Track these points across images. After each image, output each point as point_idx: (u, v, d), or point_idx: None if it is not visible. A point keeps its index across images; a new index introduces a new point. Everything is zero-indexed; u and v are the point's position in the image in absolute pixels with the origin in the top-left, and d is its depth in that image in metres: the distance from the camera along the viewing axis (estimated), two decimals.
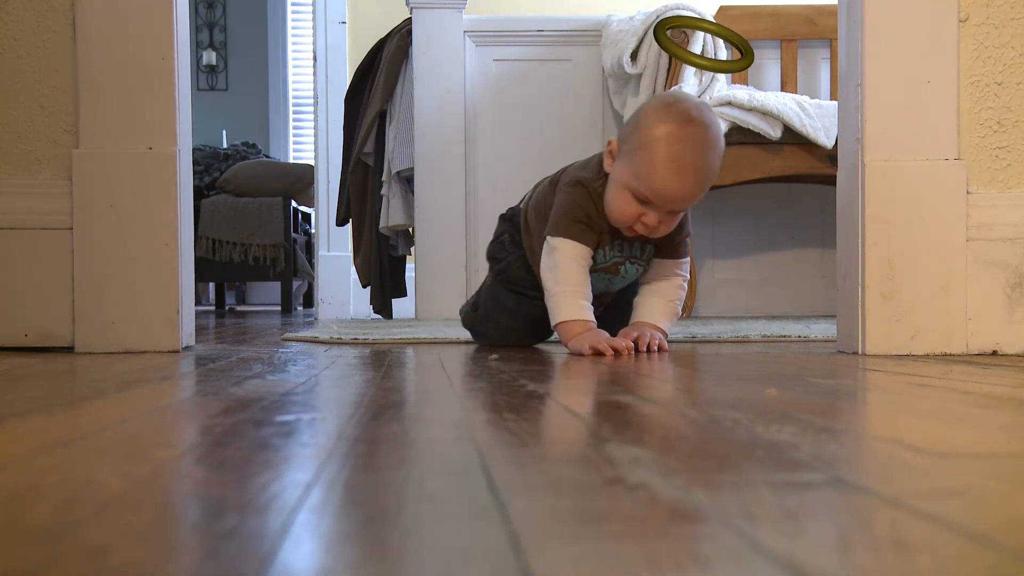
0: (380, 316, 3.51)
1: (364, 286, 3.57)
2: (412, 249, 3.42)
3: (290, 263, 5.09)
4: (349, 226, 3.63)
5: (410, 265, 3.61)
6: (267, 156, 6.09)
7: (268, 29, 7.99)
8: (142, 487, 0.54)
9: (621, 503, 0.48)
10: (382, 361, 1.49)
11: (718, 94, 2.90)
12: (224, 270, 5.10)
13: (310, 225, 5.60)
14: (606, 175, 1.65)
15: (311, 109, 5.43)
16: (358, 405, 0.92)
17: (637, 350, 1.62)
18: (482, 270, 3.24)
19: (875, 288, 1.58)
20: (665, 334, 1.71)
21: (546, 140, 3.40)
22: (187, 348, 1.79)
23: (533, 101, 3.41)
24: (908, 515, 0.45)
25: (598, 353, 1.55)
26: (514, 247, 1.86)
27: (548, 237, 1.67)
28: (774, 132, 2.83)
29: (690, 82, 2.96)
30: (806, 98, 2.95)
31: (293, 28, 7.68)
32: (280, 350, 1.81)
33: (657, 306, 1.73)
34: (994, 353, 1.58)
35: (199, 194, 4.97)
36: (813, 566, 0.37)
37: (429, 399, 1.01)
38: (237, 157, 5.55)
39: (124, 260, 1.71)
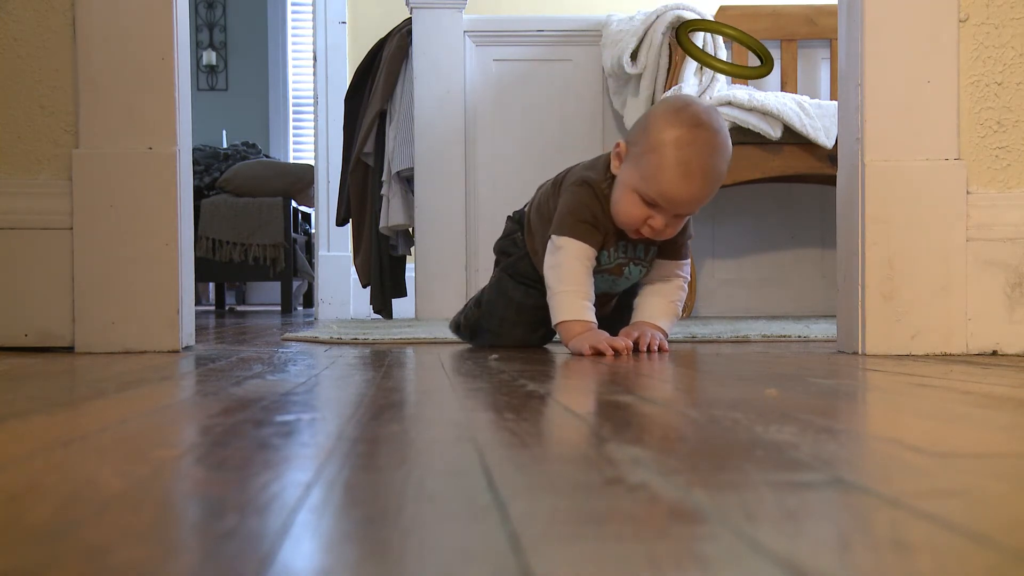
0: (380, 316, 3.51)
1: (364, 286, 3.57)
2: (412, 249, 3.42)
3: (290, 263, 5.09)
4: (349, 226, 3.63)
5: (410, 265, 3.61)
6: (267, 156, 6.09)
7: (268, 29, 7.99)
8: (142, 487, 0.54)
9: (621, 503, 0.48)
10: (382, 361, 1.49)
11: (718, 94, 2.90)
12: (224, 270, 5.10)
13: (310, 225, 5.61)
14: (613, 177, 1.65)
15: (311, 109, 5.43)
16: (358, 405, 0.92)
17: (637, 350, 1.63)
18: (482, 270, 3.24)
19: (875, 288, 1.58)
20: (666, 334, 1.72)
21: (546, 140, 3.40)
22: (187, 348, 1.79)
23: (533, 101, 3.41)
24: (908, 515, 0.45)
25: (598, 353, 1.55)
26: (524, 244, 1.87)
27: (553, 236, 1.67)
28: (774, 132, 2.83)
29: (690, 82, 2.96)
30: (806, 98, 2.95)
31: (293, 28, 7.68)
32: (280, 350, 1.81)
33: (658, 306, 1.73)
34: (994, 353, 1.58)
35: (199, 194, 4.97)
36: (813, 566, 0.37)
37: (429, 399, 1.01)
38: (237, 157, 5.55)
39: (124, 260, 1.71)
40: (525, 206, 1.91)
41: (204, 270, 4.95)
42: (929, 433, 0.73)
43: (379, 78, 3.42)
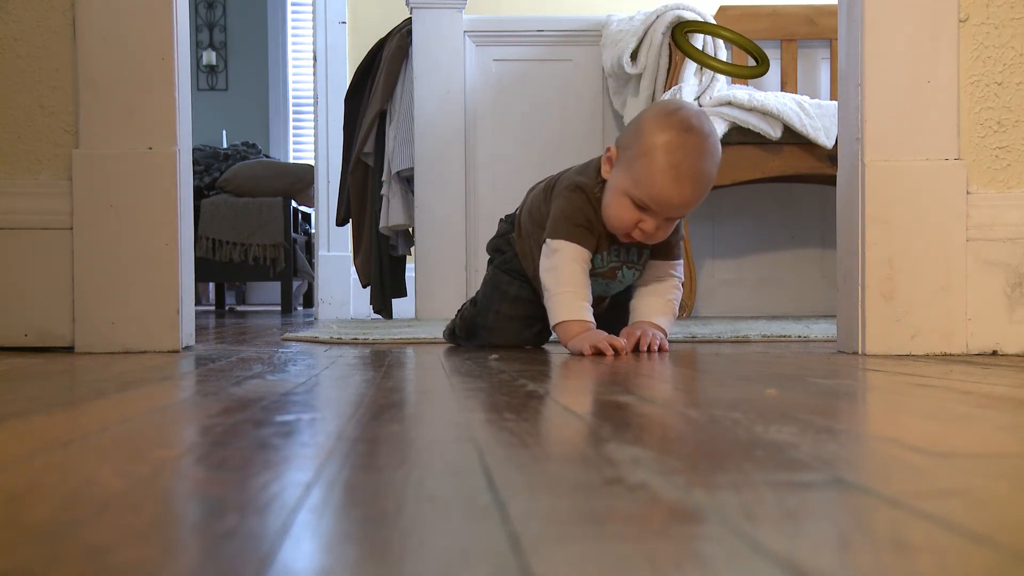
0: (380, 316, 3.51)
1: (364, 286, 3.57)
2: (412, 249, 3.42)
3: (290, 263, 5.09)
4: (349, 226, 3.63)
5: (410, 265, 3.61)
6: (267, 156, 6.09)
7: (268, 29, 7.99)
8: (142, 487, 0.54)
9: (621, 503, 0.48)
10: (382, 361, 1.49)
11: (718, 94, 2.90)
12: (224, 270, 5.10)
13: (310, 225, 5.61)
14: (604, 181, 1.66)
15: (311, 109, 5.43)
16: (358, 405, 0.92)
17: (638, 349, 1.63)
18: (482, 270, 3.24)
19: (875, 288, 1.58)
20: (665, 333, 1.72)
21: (546, 140, 3.40)
22: (187, 348, 1.79)
23: (533, 101, 3.41)
24: (908, 515, 0.45)
25: (598, 352, 1.55)
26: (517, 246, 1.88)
27: (548, 239, 1.68)
28: (774, 132, 2.83)
29: (690, 82, 2.96)
30: (806, 98, 2.95)
31: (293, 28, 7.68)
32: (280, 350, 1.81)
33: (656, 305, 1.74)
34: (994, 353, 1.58)
35: (199, 194, 4.97)
36: (813, 566, 0.37)
37: (429, 399, 1.01)
38: (237, 157, 5.55)
39: (124, 260, 1.71)
40: (516, 209, 1.92)
41: (204, 270, 4.95)
42: (929, 433, 0.73)
43: (379, 78, 3.42)
